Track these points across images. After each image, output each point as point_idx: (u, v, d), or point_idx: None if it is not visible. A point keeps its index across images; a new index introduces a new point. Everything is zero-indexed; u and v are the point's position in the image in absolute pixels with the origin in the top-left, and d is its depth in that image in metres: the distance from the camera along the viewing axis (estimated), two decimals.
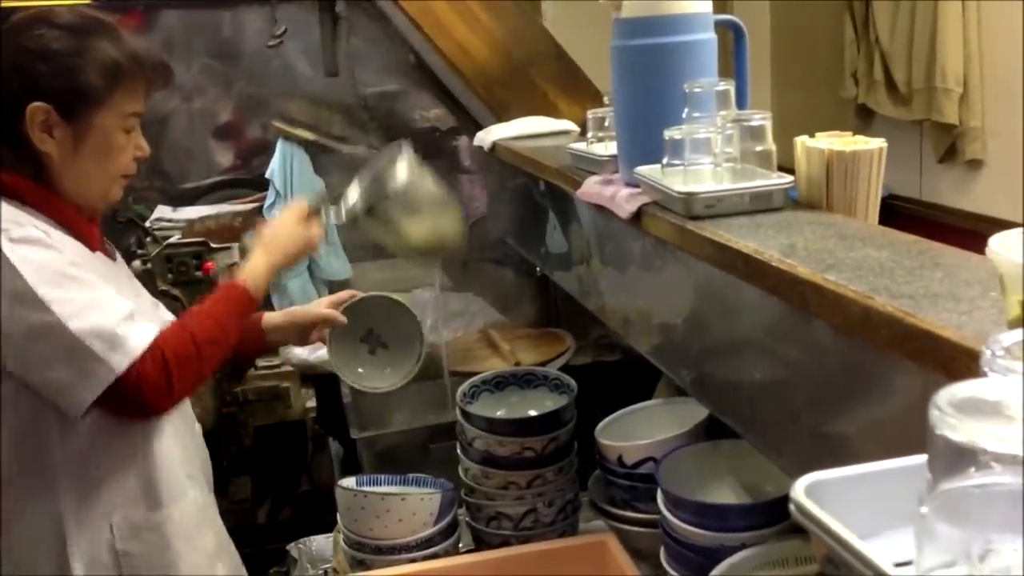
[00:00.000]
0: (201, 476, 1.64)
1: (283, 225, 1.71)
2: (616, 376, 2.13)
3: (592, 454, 1.70)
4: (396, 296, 1.98)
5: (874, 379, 0.97)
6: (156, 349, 1.40)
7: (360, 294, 1.89)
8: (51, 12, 1.49)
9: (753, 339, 1.23)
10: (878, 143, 1.33)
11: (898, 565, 0.47)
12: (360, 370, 1.90)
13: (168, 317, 1.69)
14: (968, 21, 3.08)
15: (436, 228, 1.90)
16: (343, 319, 1.84)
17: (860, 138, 1.37)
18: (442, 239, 1.90)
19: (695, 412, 1.60)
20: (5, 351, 1.37)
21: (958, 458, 0.43)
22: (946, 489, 0.43)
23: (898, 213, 1.14)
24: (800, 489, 0.56)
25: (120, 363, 1.36)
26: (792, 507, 0.56)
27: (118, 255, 1.67)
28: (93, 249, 1.52)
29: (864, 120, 3.40)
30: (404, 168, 1.87)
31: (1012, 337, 0.53)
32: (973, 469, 0.43)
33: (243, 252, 1.73)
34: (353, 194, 1.88)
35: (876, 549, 0.48)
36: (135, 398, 1.39)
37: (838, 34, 3.39)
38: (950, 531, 0.42)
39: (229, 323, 1.53)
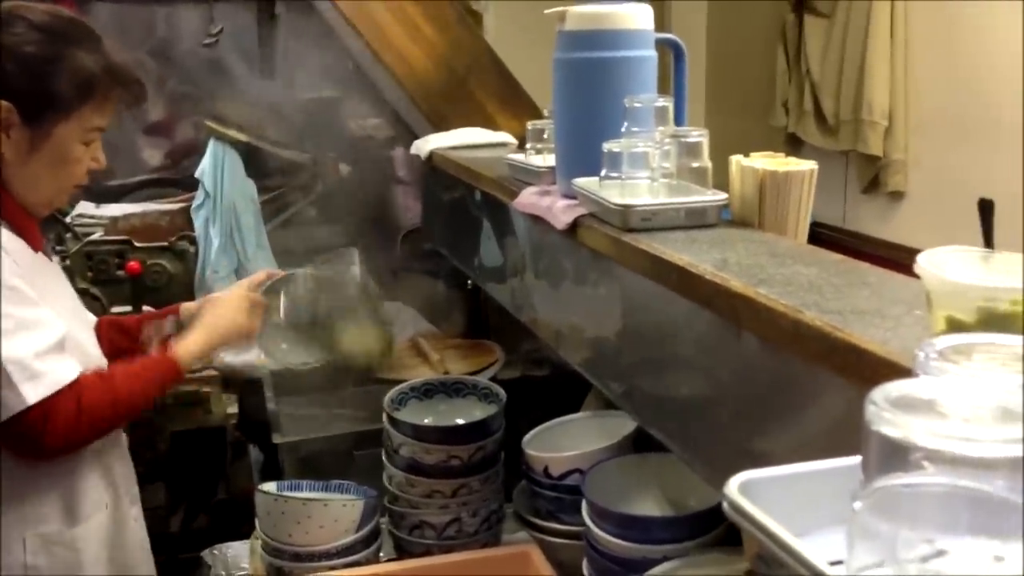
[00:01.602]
0: (123, 488, 1.60)
1: (228, 309, 1.65)
2: (545, 389, 2.13)
3: (518, 465, 1.70)
4: (315, 271, 1.96)
5: (802, 392, 0.99)
6: (75, 392, 1.36)
7: (278, 272, 1.84)
8: (31, 9, 1.43)
9: (684, 352, 1.24)
10: (809, 165, 1.36)
11: (831, 564, 0.47)
12: (284, 346, 1.87)
13: (90, 318, 1.64)
14: (895, 57, 3.18)
15: (368, 348, 1.95)
16: (264, 300, 1.77)
17: (792, 160, 1.40)
18: (370, 359, 1.93)
19: (623, 425, 1.60)
20: None
21: (892, 455, 0.44)
22: (879, 486, 0.44)
23: (823, 241, 1.17)
24: (734, 486, 0.56)
25: (32, 395, 1.32)
26: (725, 504, 0.56)
27: (54, 257, 1.62)
28: (35, 249, 1.48)
29: (793, 149, 3.47)
30: (353, 284, 1.88)
31: (945, 341, 0.54)
32: (905, 467, 0.43)
33: (179, 326, 1.68)
34: (297, 292, 1.86)
35: (809, 547, 0.49)
36: (36, 434, 1.34)
37: (771, 63, 3.47)
38: (882, 529, 0.42)
39: (151, 391, 1.50)
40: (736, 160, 1.40)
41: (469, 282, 2.62)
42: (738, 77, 3.80)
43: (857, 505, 0.44)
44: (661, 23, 3.91)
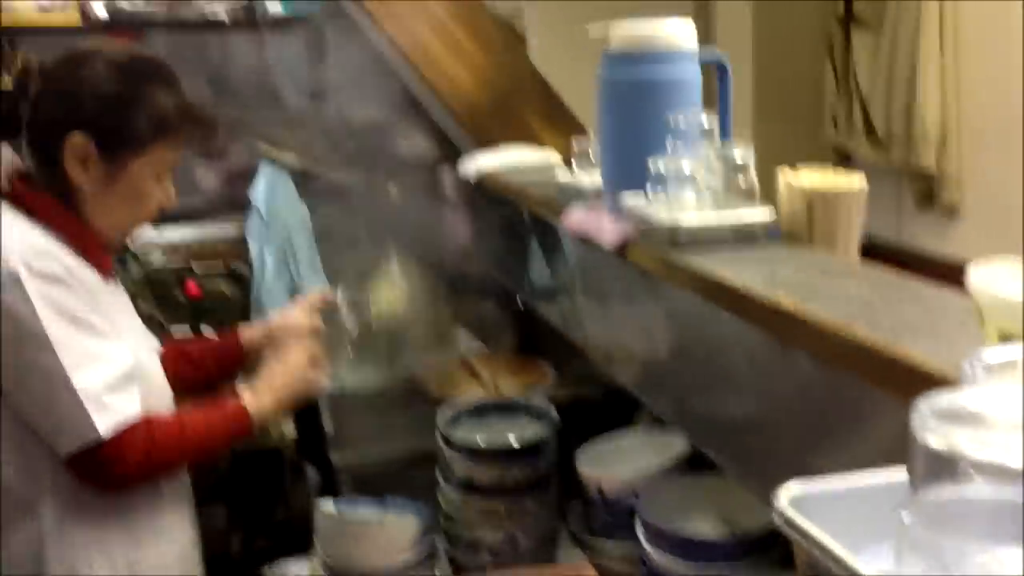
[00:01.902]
0: (185, 513, 1.62)
1: (295, 366, 1.63)
2: (597, 409, 2.14)
3: (572, 484, 1.71)
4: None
5: (854, 409, 0.99)
6: (146, 428, 1.39)
7: (331, 295, 1.86)
8: (112, 47, 1.50)
9: (734, 371, 1.24)
10: (858, 183, 1.36)
11: None
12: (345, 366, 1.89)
13: (154, 344, 1.68)
14: (946, 69, 3.14)
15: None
16: (323, 326, 1.77)
17: (841, 176, 1.40)
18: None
19: (676, 444, 1.61)
20: (5, 378, 1.36)
21: (938, 466, 0.44)
22: (928, 499, 0.44)
23: (878, 257, 1.15)
24: (784, 499, 0.57)
25: (103, 427, 1.35)
26: (775, 516, 0.57)
27: (118, 281, 1.67)
28: (105, 278, 1.52)
29: (843, 163, 3.45)
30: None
31: (993, 353, 0.54)
32: (953, 478, 0.44)
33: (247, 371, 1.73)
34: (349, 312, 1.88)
35: (860, 559, 0.49)
36: (106, 466, 1.37)
37: (819, 77, 3.45)
38: (931, 541, 0.43)
39: (220, 440, 1.52)
40: (784, 177, 1.40)
41: (520, 302, 2.64)
42: (786, 90, 3.79)
43: (906, 517, 0.45)
44: (706, 36, 3.90)
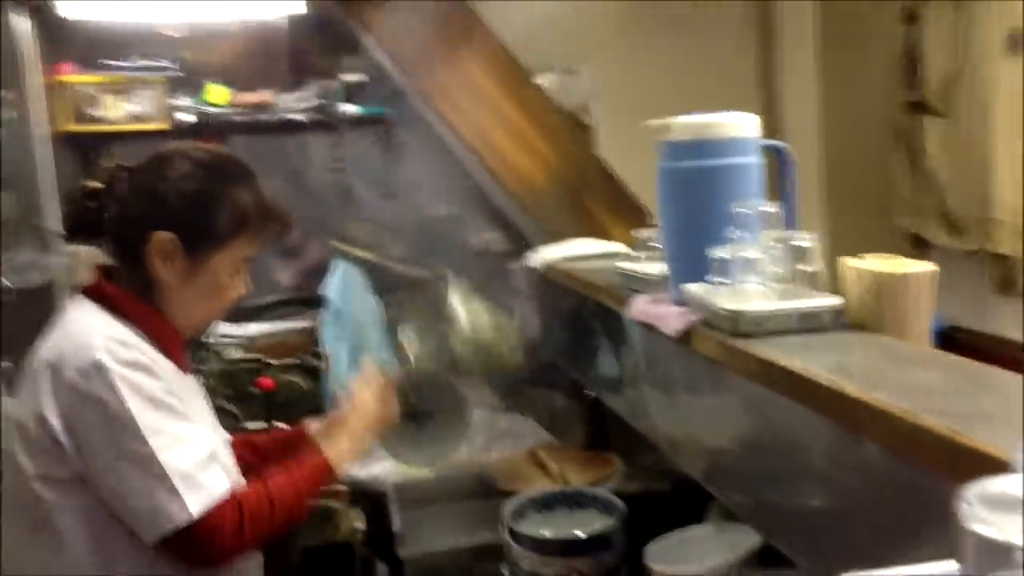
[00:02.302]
0: None
1: (366, 410, 1.73)
2: (667, 502, 2.09)
3: None
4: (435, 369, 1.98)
5: (926, 501, 0.95)
6: (235, 502, 1.41)
7: (393, 373, 1.88)
8: (195, 149, 1.57)
9: (804, 461, 1.21)
10: (928, 267, 1.33)
11: None
12: (404, 449, 1.89)
13: (225, 435, 1.72)
14: (1021, 152, 3.09)
15: (494, 353, 1.93)
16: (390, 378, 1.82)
17: (910, 261, 1.37)
18: (502, 361, 1.92)
19: (747, 537, 1.56)
20: (92, 468, 1.39)
21: (986, 554, 0.43)
22: None
23: (959, 344, 1.11)
24: None
25: (196, 507, 1.37)
26: None
27: (195, 374, 1.72)
28: (183, 370, 1.57)
29: (920, 249, 3.38)
30: (458, 306, 1.91)
31: None
32: (1005, 566, 0.42)
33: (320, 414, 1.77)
34: (411, 338, 1.90)
35: None
36: (203, 545, 1.39)
37: (889, 164, 3.42)
38: None
39: (307, 494, 1.54)
40: (849, 263, 1.39)
41: (589, 393, 2.62)
42: (856, 178, 3.76)
43: None
44: (773, 130, 3.93)
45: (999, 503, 0.46)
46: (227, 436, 1.73)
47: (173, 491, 1.36)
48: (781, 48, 3.94)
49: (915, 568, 0.61)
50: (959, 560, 0.47)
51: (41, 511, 1.41)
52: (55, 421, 1.38)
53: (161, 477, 1.36)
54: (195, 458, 1.40)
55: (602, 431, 2.46)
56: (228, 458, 1.61)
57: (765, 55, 4.00)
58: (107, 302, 1.50)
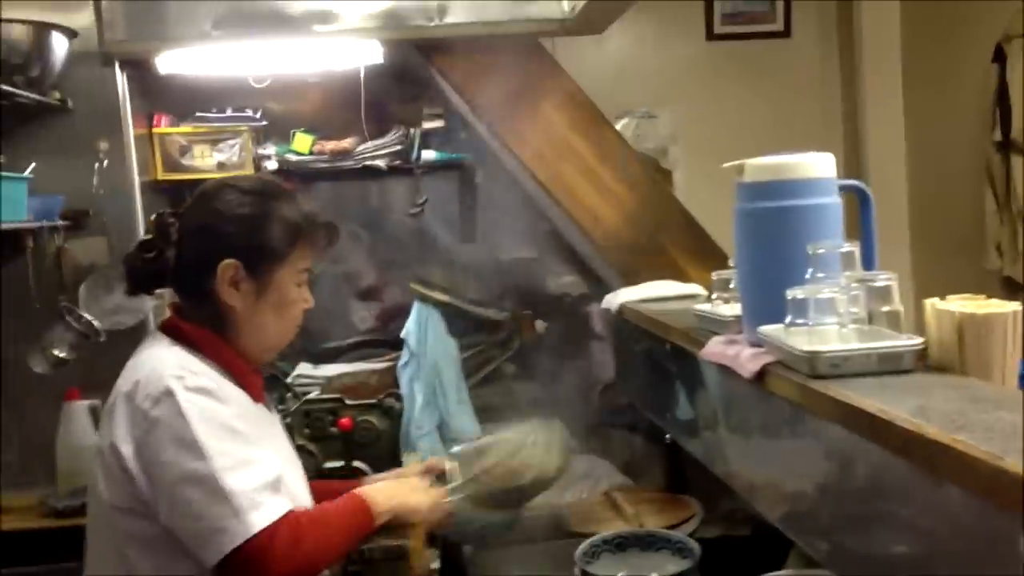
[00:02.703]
0: None
1: (413, 488, 1.79)
2: (747, 548, 2.05)
3: None
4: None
5: (1010, 547, 0.92)
6: (292, 521, 1.44)
7: (447, 464, 1.90)
8: (236, 178, 1.68)
9: (883, 506, 1.18)
10: (1013, 306, 1.29)
11: None
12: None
13: (301, 470, 1.75)
14: None
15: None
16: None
17: (994, 301, 1.34)
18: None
19: None
20: (158, 492, 1.43)
21: None
22: None
23: None
24: None
25: (255, 524, 1.40)
26: None
27: (273, 407, 1.76)
28: (256, 400, 1.62)
29: (1010, 292, 3.27)
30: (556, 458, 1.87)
31: None
32: None
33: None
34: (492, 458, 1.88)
35: None
36: (259, 562, 1.40)
37: (979, 204, 3.33)
38: None
39: (354, 529, 1.61)
40: (931, 303, 1.35)
41: (668, 437, 2.59)
42: (944, 219, 3.67)
43: None
44: (857, 171, 3.88)
45: None
46: (301, 471, 1.76)
47: (234, 511, 1.39)
48: (864, 87, 3.89)
49: None
50: None
51: (115, 540, 1.47)
52: (126, 449, 1.44)
53: (222, 497, 1.39)
54: (258, 480, 1.43)
55: (680, 475, 2.43)
56: (300, 488, 1.63)
57: (849, 95, 3.95)
58: (181, 337, 1.56)
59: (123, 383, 1.51)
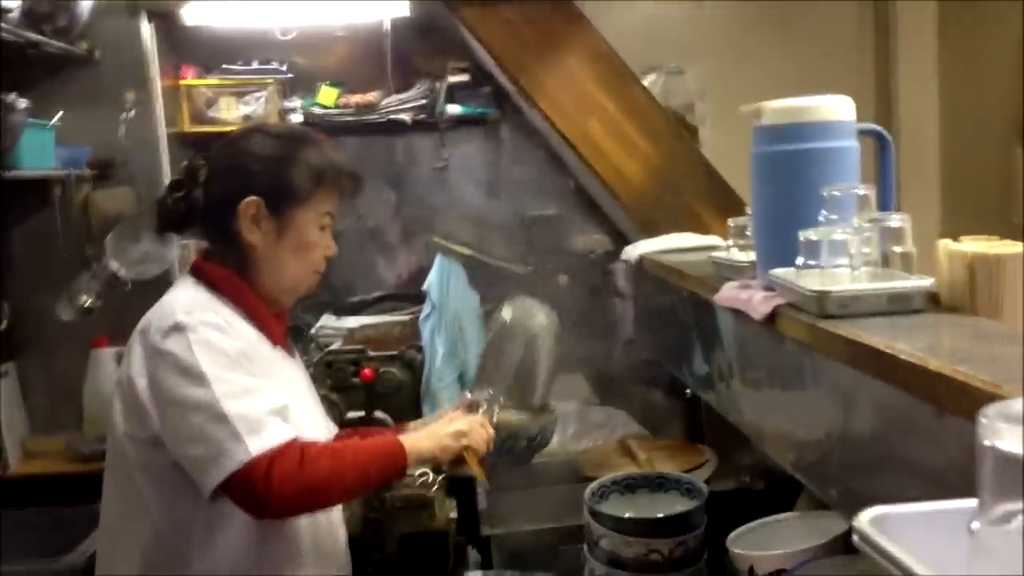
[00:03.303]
0: None
1: (457, 428, 1.68)
2: (760, 497, 2.06)
3: (725, 569, 1.64)
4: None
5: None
6: (296, 450, 1.43)
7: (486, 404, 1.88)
8: (266, 123, 1.70)
9: (889, 443, 1.18)
10: (1022, 248, 1.28)
11: None
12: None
13: (329, 425, 1.77)
14: None
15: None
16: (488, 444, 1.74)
17: (1008, 241, 1.32)
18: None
19: (834, 525, 1.52)
20: (164, 419, 1.46)
21: (1004, 469, 0.41)
22: (996, 504, 0.41)
23: None
24: (864, 519, 0.54)
25: (255, 448, 1.40)
26: (855, 536, 0.53)
27: (297, 354, 1.78)
28: (275, 343, 1.64)
29: None
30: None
31: None
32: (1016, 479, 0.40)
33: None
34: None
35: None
36: (259, 487, 1.40)
37: (1010, 160, 3.28)
38: (1000, 545, 0.40)
39: (372, 471, 1.53)
40: (944, 244, 1.34)
41: (688, 392, 2.59)
42: (976, 176, 3.61)
43: (975, 525, 0.41)
44: (889, 128, 3.81)
45: (1016, 419, 0.44)
46: (330, 425, 1.78)
47: (234, 435, 1.40)
48: (897, 46, 3.82)
49: (944, 502, 0.59)
50: (978, 479, 0.45)
51: (125, 467, 1.51)
52: (140, 381, 1.47)
53: (223, 422, 1.40)
54: (260, 408, 1.44)
55: (697, 426, 2.44)
56: (313, 429, 1.64)
57: (881, 53, 3.88)
58: (204, 278, 1.59)
59: (142, 321, 1.55)
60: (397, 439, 1.59)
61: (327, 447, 1.53)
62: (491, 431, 1.72)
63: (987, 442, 0.44)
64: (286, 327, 1.73)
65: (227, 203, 1.58)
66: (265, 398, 1.47)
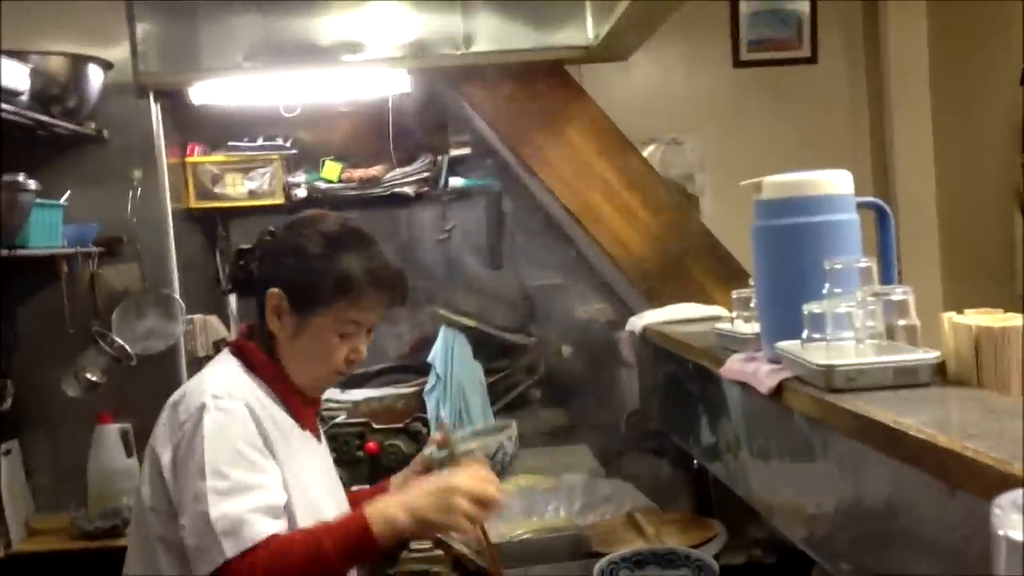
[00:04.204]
0: None
1: (439, 491, 1.54)
2: (772, 571, 2.03)
3: None
4: None
5: None
6: (270, 550, 1.40)
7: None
8: (325, 218, 1.66)
9: (899, 518, 1.17)
10: None
11: None
12: None
13: (339, 498, 1.75)
14: None
15: None
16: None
17: (1011, 315, 1.33)
18: None
19: None
20: (176, 500, 1.47)
21: (1020, 560, 0.41)
22: None
23: None
24: None
25: (230, 550, 1.39)
26: None
27: (324, 439, 1.79)
28: (303, 427, 1.64)
29: None
30: None
31: None
32: None
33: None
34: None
35: None
36: None
37: (1009, 228, 3.30)
38: None
39: (341, 551, 1.44)
40: (948, 317, 1.35)
41: (695, 463, 2.57)
42: (975, 243, 3.63)
43: None
44: (886, 196, 3.86)
45: None
46: (341, 499, 1.77)
47: (213, 535, 1.39)
48: (892, 113, 3.88)
49: None
50: (993, 569, 0.45)
51: (148, 540, 1.51)
52: (164, 454, 1.49)
53: (207, 521, 1.40)
54: (247, 506, 1.42)
55: (706, 499, 2.41)
56: (328, 509, 1.61)
57: (877, 120, 3.94)
58: (242, 355, 1.62)
59: (176, 393, 1.57)
60: (360, 514, 1.48)
61: (305, 539, 1.45)
62: (493, 477, 1.59)
63: (1001, 532, 0.44)
64: (316, 412, 1.74)
65: (262, 286, 1.61)
66: (258, 495, 1.45)
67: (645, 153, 3.42)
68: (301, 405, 1.64)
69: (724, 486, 1.97)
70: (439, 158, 3.22)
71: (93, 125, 2.72)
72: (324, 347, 1.59)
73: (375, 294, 1.60)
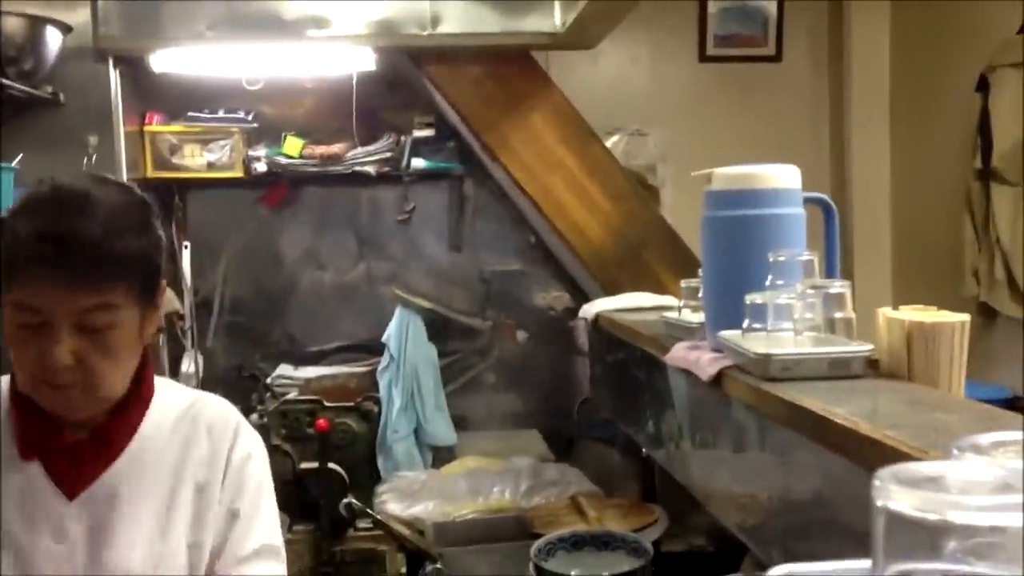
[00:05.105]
0: None
1: None
2: (708, 559, 2.07)
3: None
4: None
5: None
6: None
7: None
8: (43, 183, 1.21)
9: (829, 507, 1.20)
10: (960, 317, 1.32)
11: None
12: None
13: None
14: None
15: None
16: None
17: (944, 312, 1.36)
18: None
19: None
20: None
21: (895, 530, 0.43)
22: (892, 568, 0.43)
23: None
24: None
25: None
26: None
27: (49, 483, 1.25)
28: (23, 455, 1.23)
29: (988, 319, 3.30)
30: None
31: (987, 437, 0.53)
32: (913, 545, 0.42)
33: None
34: None
35: None
36: None
37: (958, 232, 3.37)
38: None
39: None
40: (883, 312, 1.38)
41: (644, 452, 2.61)
42: (926, 246, 3.70)
43: None
44: (842, 197, 3.92)
45: (907, 481, 0.46)
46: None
47: None
48: (852, 114, 3.93)
49: (849, 562, 0.61)
50: (872, 543, 0.47)
51: None
52: None
53: None
54: None
55: (651, 486, 2.45)
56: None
57: (836, 121, 3.99)
58: None
59: None
60: None
61: None
62: None
63: (880, 503, 0.46)
64: (56, 440, 1.23)
65: None
66: None
67: (609, 143, 3.43)
68: (19, 420, 1.23)
69: (669, 477, 2.00)
70: (402, 138, 3.21)
71: (50, 88, 2.68)
72: (13, 344, 1.17)
73: (34, 267, 1.13)
